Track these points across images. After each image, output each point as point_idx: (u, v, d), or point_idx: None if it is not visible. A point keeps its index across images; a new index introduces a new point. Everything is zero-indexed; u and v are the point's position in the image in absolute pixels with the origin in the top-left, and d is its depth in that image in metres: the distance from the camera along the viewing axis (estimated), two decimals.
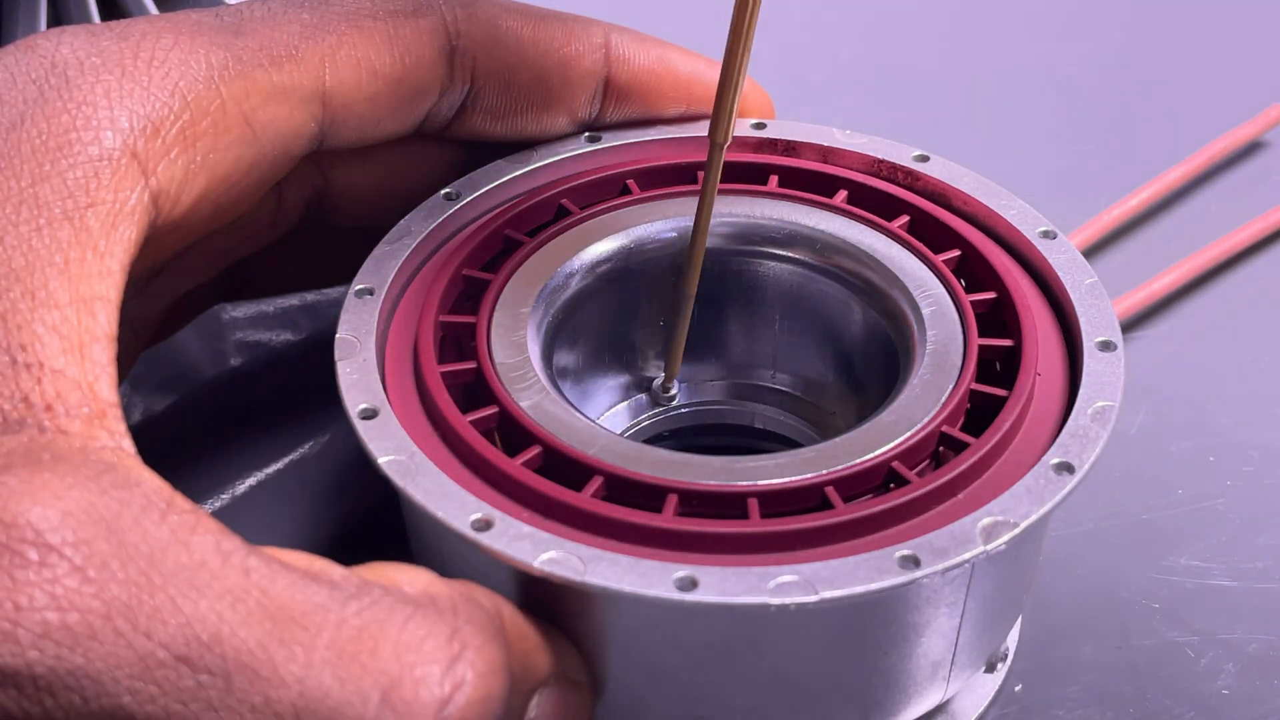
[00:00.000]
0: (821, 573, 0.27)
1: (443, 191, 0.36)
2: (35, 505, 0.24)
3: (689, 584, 0.27)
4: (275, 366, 0.44)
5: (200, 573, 0.25)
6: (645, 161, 0.38)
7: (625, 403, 0.39)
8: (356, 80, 0.34)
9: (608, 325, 0.37)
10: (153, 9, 0.52)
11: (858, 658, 0.30)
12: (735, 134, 0.36)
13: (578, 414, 0.31)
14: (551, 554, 0.27)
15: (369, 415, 0.30)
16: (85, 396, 0.28)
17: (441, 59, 0.35)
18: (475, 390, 0.32)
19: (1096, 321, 0.32)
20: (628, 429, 0.38)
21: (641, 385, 0.39)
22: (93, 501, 0.25)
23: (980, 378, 0.32)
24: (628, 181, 0.37)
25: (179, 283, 0.38)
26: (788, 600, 0.26)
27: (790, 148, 0.38)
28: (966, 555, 0.27)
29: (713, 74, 0.38)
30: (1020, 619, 0.36)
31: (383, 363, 0.32)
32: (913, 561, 0.27)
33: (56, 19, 0.50)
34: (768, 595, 0.26)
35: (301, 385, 0.43)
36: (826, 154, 0.38)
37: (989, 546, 0.27)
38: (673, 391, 0.38)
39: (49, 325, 0.28)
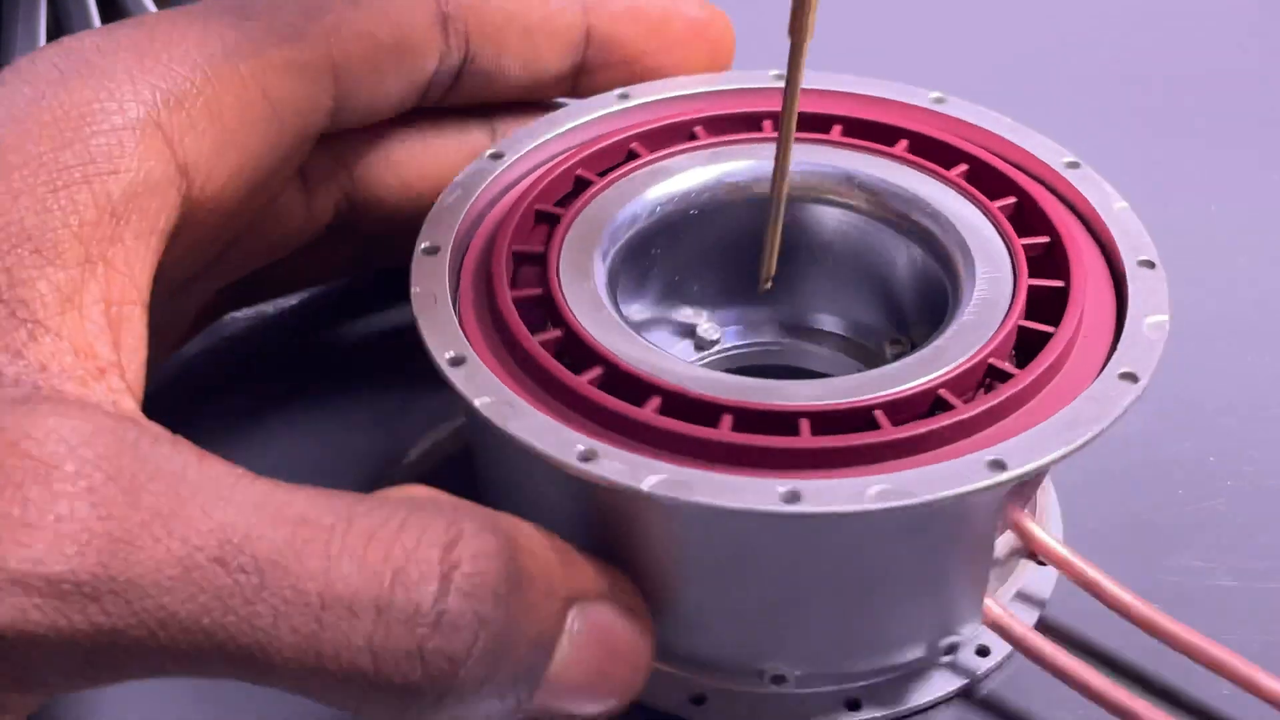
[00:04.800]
0: (913, 479, 0.28)
1: (488, 152, 0.38)
2: (58, 424, 0.26)
3: (793, 497, 0.28)
4: (275, 366, 0.44)
5: (223, 486, 0.27)
6: (711, 110, 0.39)
7: (681, 344, 0.40)
8: (361, 52, 0.36)
9: (669, 267, 0.38)
10: (152, 9, 0.52)
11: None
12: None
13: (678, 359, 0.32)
14: (657, 477, 0.28)
15: (457, 362, 0.31)
16: (80, 358, 0.28)
17: (435, 26, 0.37)
18: (545, 313, 0.33)
19: (1149, 300, 0.33)
20: None
21: (693, 330, 0.40)
22: (111, 427, 0.26)
23: (1032, 318, 0.33)
24: (695, 128, 0.39)
25: (208, 285, 0.38)
26: (889, 505, 0.28)
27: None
28: (1049, 458, 0.29)
29: (689, 9, 0.40)
30: None
31: (459, 311, 0.33)
32: (999, 465, 0.29)
33: (56, 19, 0.51)
34: (869, 503, 0.28)
35: (301, 384, 0.43)
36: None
37: (1070, 449, 0.29)
38: (769, 288, 0.38)
39: (53, 283, 0.28)
